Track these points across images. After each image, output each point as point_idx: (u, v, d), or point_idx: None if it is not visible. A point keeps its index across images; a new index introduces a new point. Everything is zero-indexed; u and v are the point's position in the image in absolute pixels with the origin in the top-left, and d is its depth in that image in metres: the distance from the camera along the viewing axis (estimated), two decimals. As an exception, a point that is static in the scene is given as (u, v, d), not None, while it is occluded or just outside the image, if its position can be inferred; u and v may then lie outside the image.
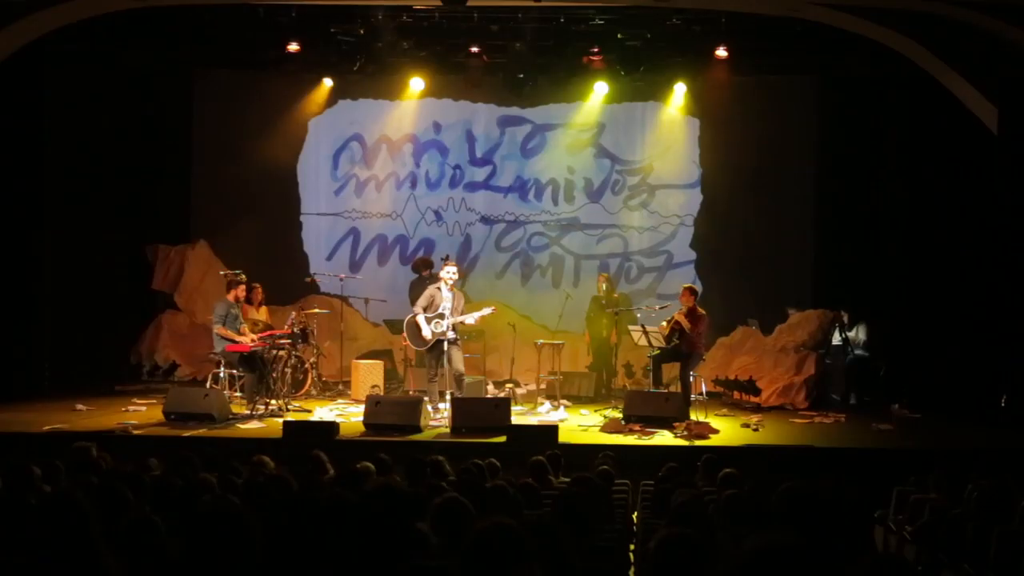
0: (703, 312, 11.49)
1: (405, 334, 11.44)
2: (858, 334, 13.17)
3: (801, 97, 14.59)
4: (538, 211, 15.08)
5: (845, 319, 13.24)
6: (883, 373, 13.06)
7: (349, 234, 15.20)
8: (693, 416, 10.92)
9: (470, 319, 11.30)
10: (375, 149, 15.18)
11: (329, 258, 15.10)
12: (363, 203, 15.21)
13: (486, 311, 11.42)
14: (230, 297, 11.59)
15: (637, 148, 15.04)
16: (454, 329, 11.12)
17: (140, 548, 3.74)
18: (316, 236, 15.24)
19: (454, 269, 11.33)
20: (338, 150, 15.21)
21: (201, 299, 14.16)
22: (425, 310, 11.12)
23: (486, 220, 15.12)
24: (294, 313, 12.24)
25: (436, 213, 15.14)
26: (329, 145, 15.22)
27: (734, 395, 12.76)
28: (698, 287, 12.34)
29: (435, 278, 11.84)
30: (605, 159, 15.04)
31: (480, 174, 15.18)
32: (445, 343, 11.03)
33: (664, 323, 11.53)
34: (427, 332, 11.02)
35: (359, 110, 15.14)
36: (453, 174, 15.18)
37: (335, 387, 13.20)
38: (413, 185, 15.19)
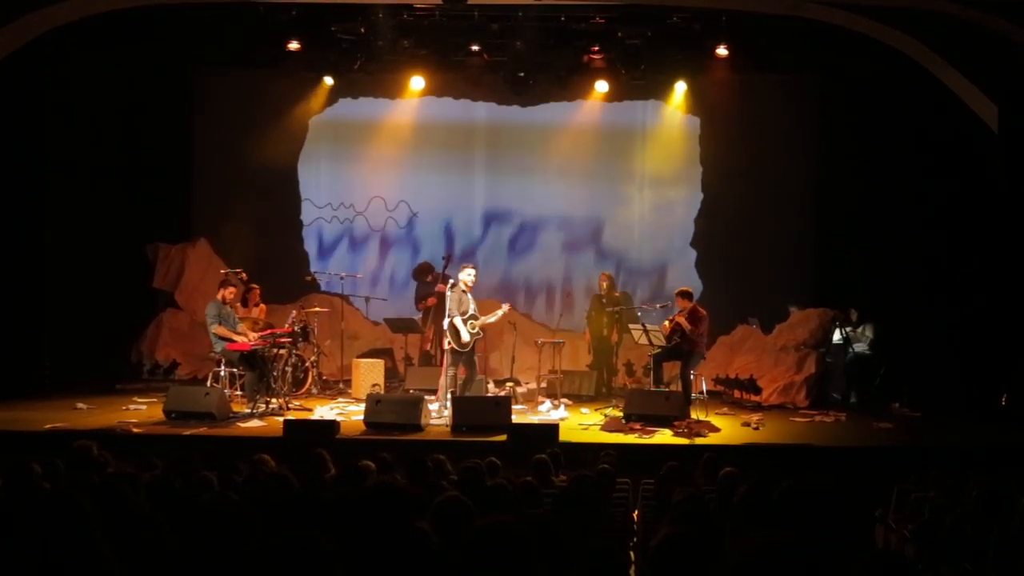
0: (704, 312, 11.47)
1: (447, 336, 11.51)
2: (864, 332, 13.18)
3: (802, 95, 14.60)
4: (538, 206, 15.06)
5: (854, 317, 13.23)
6: (883, 372, 13.06)
7: (345, 233, 15.19)
8: (693, 415, 10.91)
9: (492, 319, 11.38)
10: (374, 144, 15.15)
11: (325, 256, 15.09)
12: (361, 201, 15.18)
13: (505, 308, 11.55)
14: (218, 297, 11.53)
15: (638, 146, 15.03)
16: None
17: (141, 547, 3.74)
18: (315, 234, 15.23)
19: (473, 272, 11.37)
20: (336, 146, 15.19)
21: (201, 298, 14.09)
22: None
23: (485, 215, 15.12)
24: (295, 312, 12.23)
25: (433, 208, 15.12)
26: (329, 143, 15.22)
27: (734, 394, 12.76)
28: (692, 289, 12.26)
29: (438, 279, 11.84)
30: (605, 155, 15.01)
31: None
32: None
33: (666, 322, 11.52)
34: (466, 336, 11.09)
35: (360, 108, 15.14)
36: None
37: (335, 386, 13.20)
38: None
